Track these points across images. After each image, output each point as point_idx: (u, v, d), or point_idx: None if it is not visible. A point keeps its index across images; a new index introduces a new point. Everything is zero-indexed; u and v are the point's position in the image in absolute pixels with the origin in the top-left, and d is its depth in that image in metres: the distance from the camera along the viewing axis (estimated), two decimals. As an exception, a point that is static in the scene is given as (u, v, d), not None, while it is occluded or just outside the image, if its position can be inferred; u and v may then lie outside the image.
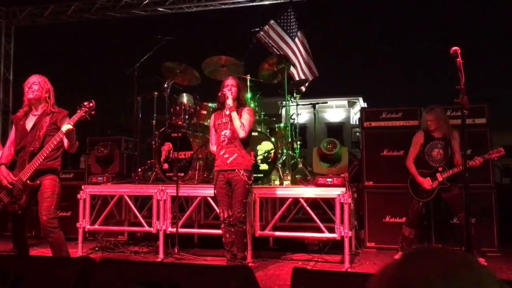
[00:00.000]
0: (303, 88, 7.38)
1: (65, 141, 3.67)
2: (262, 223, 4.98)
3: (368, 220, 5.54)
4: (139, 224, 5.29)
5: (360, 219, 5.67)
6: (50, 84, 3.83)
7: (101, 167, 5.76)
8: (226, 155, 4.11)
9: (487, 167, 4.92)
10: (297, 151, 6.04)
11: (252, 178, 4.28)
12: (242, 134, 4.09)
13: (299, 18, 8.14)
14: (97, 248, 5.51)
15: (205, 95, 5.92)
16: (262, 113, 6.01)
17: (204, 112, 5.70)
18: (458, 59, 3.07)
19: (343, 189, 4.55)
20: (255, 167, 5.25)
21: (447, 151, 4.76)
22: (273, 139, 5.39)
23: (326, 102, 17.36)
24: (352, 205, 4.86)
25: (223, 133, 4.17)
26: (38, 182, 3.62)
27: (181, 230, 4.94)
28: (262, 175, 5.26)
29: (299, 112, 6.34)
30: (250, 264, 4.58)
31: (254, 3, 9.48)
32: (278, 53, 7.34)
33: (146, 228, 5.12)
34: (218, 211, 4.84)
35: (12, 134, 3.86)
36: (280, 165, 5.37)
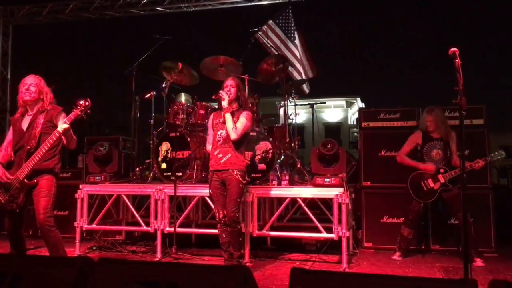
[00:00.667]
0: (306, 89, 7.38)
1: (63, 139, 3.67)
2: (260, 223, 4.98)
3: (365, 220, 5.55)
4: (137, 224, 5.29)
5: (358, 219, 5.67)
6: (45, 83, 3.84)
7: (99, 167, 5.75)
8: (220, 155, 4.14)
9: (484, 168, 4.93)
10: (295, 151, 6.03)
11: (247, 179, 4.28)
12: (233, 136, 4.10)
13: (297, 18, 8.14)
14: (94, 248, 5.50)
15: (203, 95, 5.92)
16: (261, 113, 6.00)
17: (202, 111, 5.70)
18: (457, 60, 3.07)
19: (341, 189, 4.56)
20: (253, 167, 5.25)
21: (446, 152, 4.77)
22: (271, 139, 5.39)
23: (325, 102, 17.37)
24: (349, 205, 4.86)
25: (219, 133, 4.21)
26: (35, 181, 3.62)
27: (179, 229, 4.94)
28: (260, 175, 5.26)
29: (297, 112, 6.35)
30: (247, 264, 4.59)
31: (252, 3, 9.48)
32: (276, 53, 7.34)
33: (144, 227, 5.11)
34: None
35: (9, 134, 3.86)
36: (278, 165, 5.37)
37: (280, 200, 5.13)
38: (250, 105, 5.60)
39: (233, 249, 4.12)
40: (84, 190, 5.28)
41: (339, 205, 4.47)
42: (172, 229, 4.88)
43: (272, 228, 5.01)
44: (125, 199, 5.35)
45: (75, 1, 10.03)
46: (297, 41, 7.99)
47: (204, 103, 5.77)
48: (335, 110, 30.20)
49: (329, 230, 4.56)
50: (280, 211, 4.99)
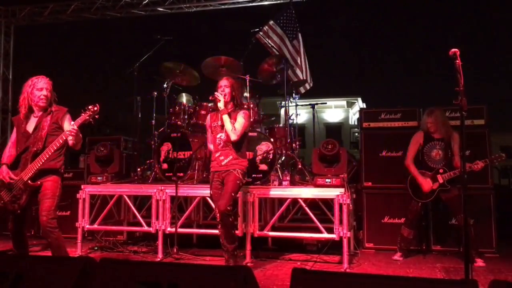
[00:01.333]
0: (302, 90, 7.38)
1: (70, 141, 3.68)
2: (261, 223, 4.98)
3: (366, 220, 5.55)
4: (138, 224, 5.30)
5: (359, 220, 5.67)
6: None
7: (101, 167, 5.76)
8: (222, 157, 4.17)
9: (485, 168, 4.93)
10: (296, 152, 6.04)
11: (247, 179, 4.30)
12: (233, 137, 4.11)
13: (297, 19, 8.14)
14: (96, 248, 5.51)
15: (204, 95, 5.92)
16: (261, 113, 6.01)
17: (204, 112, 5.70)
18: (457, 61, 3.07)
19: (342, 190, 4.56)
20: (255, 168, 5.26)
21: (447, 153, 4.77)
22: (272, 140, 5.40)
23: (325, 103, 17.35)
24: (351, 205, 4.87)
25: (218, 136, 4.23)
26: (38, 182, 3.63)
27: (180, 230, 4.95)
28: (261, 175, 5.26)
29: (298, 113, 6.35)
30: (248, 264, 4.59)
31: (253, 4, 9.49)
32: (277, 53, 7.35)
33: (145, 228, 5.12)
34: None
35: (13, 136, 3.87)
36: (279, 166, 5.38)
37: (281, 200, 5.14)
38: (252, 105, 5.62)
39: (227, 242, 4.13)
40: (86, 191, 5.29)
41: (340, 205, 4.47)
42: (173, 229, 4.89)
43: (273, 229, 5.01)
44: (127, 199, 5.36)
45: (76, 2, 10.06)
46: (297, 42, 7.99)
47: (205, 104, 5.78)
48: (336, 110, 30.17)
49: (330, 230, 4.57)
50: (281, 211, 5.00)
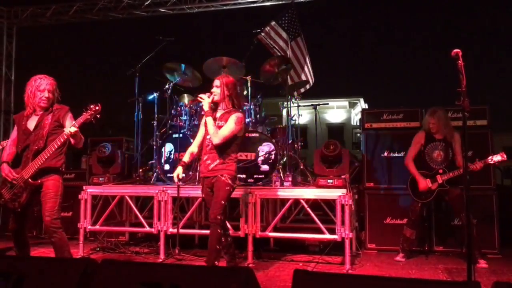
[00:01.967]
0: (301, 89, 7.38)
1: (72, 140, 3.69)
2: (262, 224, 4.98)
3: (368, 221, 5.54)
4: (140, 225, 5.30)
5: (361, 221, 5.67)
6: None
7: (102, 168, 5.77)
8: (208, 161, 3.97)
9: (487, 169, 4.92)
10: (298, 152, 6.03)
11: (237, 182, 4.08)
12: (215, 141, 3.89)
13: (300, 19, 8.15)
14: (98, 249, 5.51)
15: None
16: (263, 113, 6.01)
17: (205, 113, 5.69)
18: (459, 61, 3.07)
19: (344, 191, 4.55)
20: (256, 168, 5.26)
21: (448, 153, 4.76)
22: (274, 140, 5.39)
23: (327, 103, 17.35)
24: (352, 206, 4.86)
25: (208, 137, 4.02)
26: (39, 181, 3.64)
27: (182, 230, 4.94)
28: (263, 176, 5.26)
29: (300, 113, 6.35)
30: (250, 265, 4.59)
31: (255, 4, 9.49)
32: (279, 54, 7.34)
33: (147, 228, 5.12)
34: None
35: (14, 133, 3.88)
36: (281, 166, 5.37)
37: (283, 201, 5.13)
38: (253, 106, 5.62)
39: (208, 254, 3.83)
40: (88, 191, 5.30)
41: (342, 206, 4.46)
42: (175, 230, 4.89)
43: (275, 229, 5.01)
44: (128, 200, 5.37)
45: (78, 3, 10.08)
46: (299, 42, 7.99)
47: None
48: (338, 111, 30.14)
49: (332, 231, 4.56)
50: (283, 212, 4.99)
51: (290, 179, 5.12)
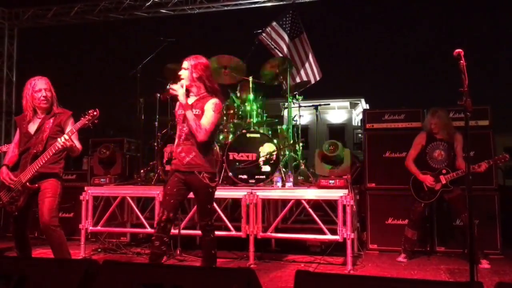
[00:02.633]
0: (302, 84, 7.37)
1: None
2: (264, 225, 4.97)
3: (370, 222, 5.53)
4: (142, 226, 5.30)
5: (363, 221, 5.66)
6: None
7: (104, 169, 5.77)
8: (183, 154, 3.49)
9: (490, 169, 4.90)
10: (299, 153, 6.03)
11: (217, 180, 3.64)
12: (200, 137, 3.42)
13: (300, 19, 8.15)
14: (99, 250, 5.51)
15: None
16: (265, 114, 6.01)
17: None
18: (462, 61, 3.06)
19: (346, 191, 4.55)
20: (258, 169, 5.25)
21: (449, 153, 4.75)
22: (275, 141, 5.39)
23: (329, 104, 17.34)
24: (354, 207, 4.85)
25: (181, 127, 3.58)
26: (37, 185, 3.62)
27: (183, 231, 4.95)
28: (264, 176, 5.26)
29: (301, 114, 6.34)
30: (252, 266, 4.58)
31: (256, 5, 9.50)
32: (280, 54, 7.34)
33: (149, 229, 5.12)
34: (220, 212, 4.84)
35: (16, 136, 3.87)
36: (282, 167, 5.37)
37: (285, 201, 5.13)
38: (254, 106, 5.60)
39: (204, 263, 3.68)
40: (89, 192, 5.29)
41: (344, 206, 4.45)
42: (176, 231, 4.88)
43: (277, 230, 5.00)
44: (130, 201, 5.36)
45: (79, 4, 10.11)
46: (299, 42, 7.99)
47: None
48: (339, 111, 30.11)
49: (333, 231, 4.55)
50: (284, 213, 4.98)
51: (291, 179, 5.12)
